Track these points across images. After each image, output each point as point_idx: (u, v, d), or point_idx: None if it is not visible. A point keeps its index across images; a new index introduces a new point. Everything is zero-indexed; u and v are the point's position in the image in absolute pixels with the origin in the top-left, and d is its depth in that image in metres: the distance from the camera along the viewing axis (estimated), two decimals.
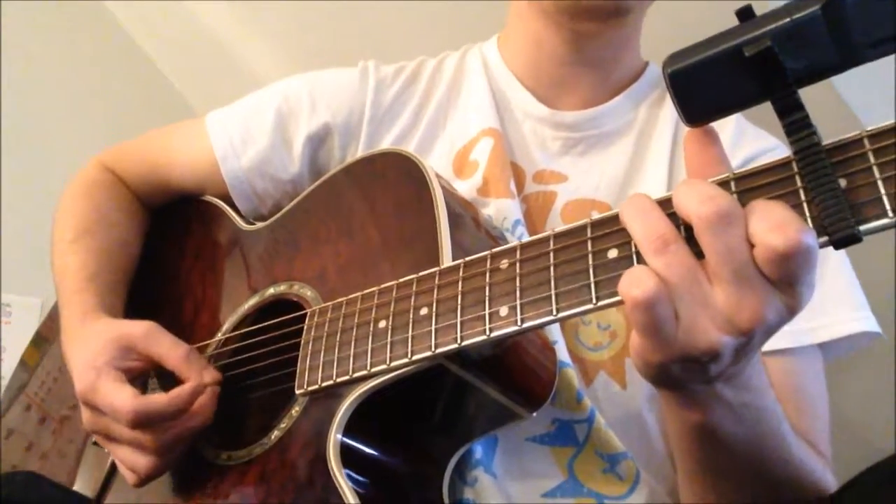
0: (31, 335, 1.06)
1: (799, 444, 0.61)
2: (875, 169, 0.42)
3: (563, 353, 0.74)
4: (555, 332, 0.74)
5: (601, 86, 0.87)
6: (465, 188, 0.82)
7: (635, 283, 0.44)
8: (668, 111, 0.87)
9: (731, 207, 0.43)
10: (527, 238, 0.55)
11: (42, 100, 1.74)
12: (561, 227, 0.54)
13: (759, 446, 0.57)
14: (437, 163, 0.86)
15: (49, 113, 1.75)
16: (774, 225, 0.41)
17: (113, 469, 0.78)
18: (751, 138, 0.85)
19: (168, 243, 0.94)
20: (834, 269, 0.78)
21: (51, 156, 1.71)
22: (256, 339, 0.74)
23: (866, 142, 0.43)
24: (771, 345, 0.73)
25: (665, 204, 0.47)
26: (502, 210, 0.80)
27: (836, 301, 0.76)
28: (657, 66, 0.91)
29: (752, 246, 0.43)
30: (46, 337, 1.01)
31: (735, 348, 0.45)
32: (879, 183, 0.42)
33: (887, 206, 0.41)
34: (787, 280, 0.42)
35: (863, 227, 0.41)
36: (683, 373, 0.47)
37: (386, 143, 0.88)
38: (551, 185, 0.84)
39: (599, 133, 0.86)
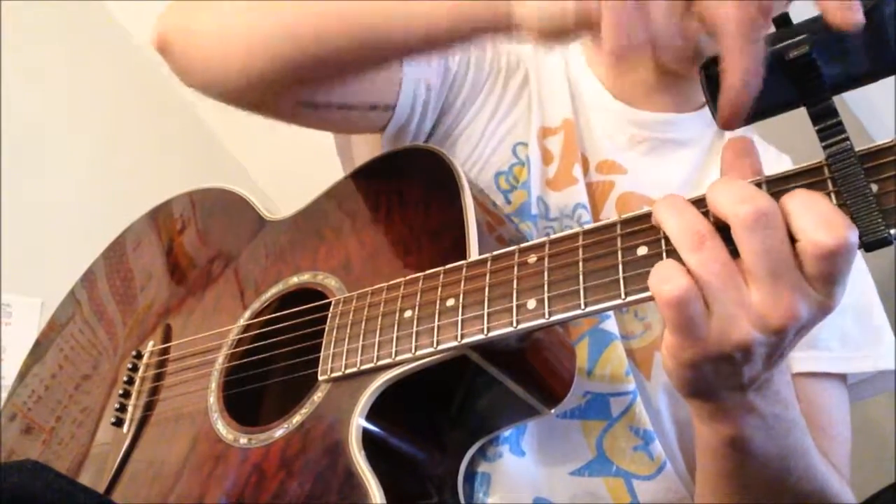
0: (30, 335, 1.04)
1: (821, 460, 0.62)
2: None
3: (612, 326, 0.76)
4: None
5: (677, 106, 0.89)
6: (537, 173, 0.83)
7: (665, 281, 0.45)
8: None
9: (770, 208, 0.44)
10: (588, 223, 0.56)
11: (42, 99, 1.74)
12: (590, 225, 0.55)
13: (787, 460, 0.57)
14: (520, 132, 0.86)
15: (49, 113, 1.75)
16: (823, 222, 0.42)
17: (129, 452, 0.79)
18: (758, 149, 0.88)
19: (191, 232, 0.95)
20: (873, 305, 0.81)
21: (50, 156, 1.72)
22: (278, 325, 0.75)
23: None
24: (801, 366, 0.76)
25: (698, 203, 0.48)
26: (564, 196, 0.81)
27: (872, 338, 0.80)
28: None
29: (792, 241, 0.43)
30: (40, 342, 1.00)
31: (767, 347, 0.45)
32: None
33: None
34: (827, 278, 0.43)
35: (894, 231, 0.43)
36: (715, 375, 0.47)
37: (479, 103, 0.87)
38: (611, 175, 0.86)
39: (666, 138, 0.87)
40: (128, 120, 1.85)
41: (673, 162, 0.86)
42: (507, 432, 0.72)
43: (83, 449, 0.84)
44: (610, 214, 0.83)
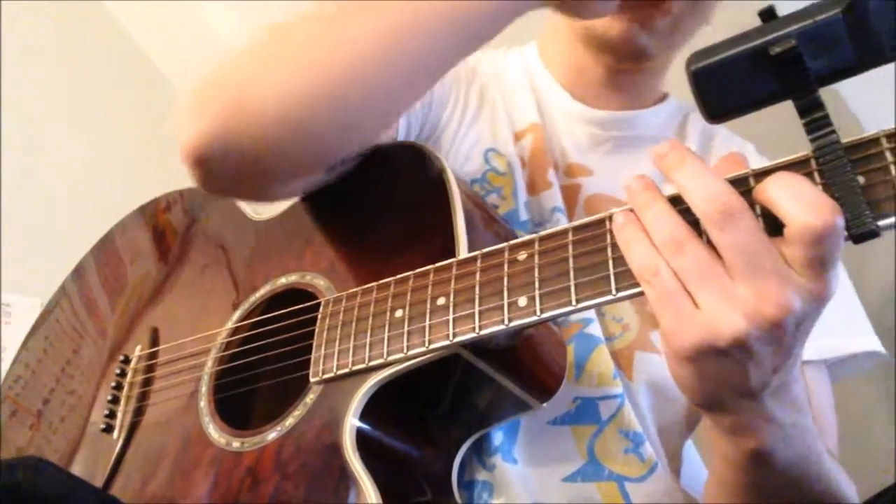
0: None
1: (831, 461, 0.62)
2: (893, 167, 0.43)
3: (597, 330, 0.76)
4: (589, 312, 0.76)
5: (634, 102, 0.90)
6: (520, 179, 0.84)
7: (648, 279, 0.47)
8: (691, 141, 0.90)
9: (736, 204, 0.45)
10: (561, 225, 0.56)
11: (42, 99, 1.74)
12: (580, 220, 0.55)
13: (803, 465, 0.57)
14: (488, 140, 0.87)
15: (49, 113, 1.74)
16: (808, 206, 0.42)
17: (120, 459, 0.78)
18: (722, 139, 0.90)
19: (177, 234, 0.94)
20: (842, 291, 0.81)
21: (50, 156, 1.72)
22: (268, 327, 0.74)
23: (884, 141, 0.44)
24: None
25: (675, 201, 0.49)
26: (542, 200, 0.82)
27: (843, 321, 0.80)
28: (675, 99, 0.95)
29: (778, 229, 0.44)
30: (29, 335, 0.99)
31: (766, 343, 0.45)
32: None
33: None
34: (817, 263, 0.43)
35: (881, 223, 0.43)
36: (719, 371, 0.47)
37: (445, 116, 0.88)
38: (578, 178, 0.86)
39: (628, 136, 0.88)
40: (127, 120, 1.84)
41: (637, 160, 0.86)
42: (497, 441, 0.72)
43: (72, 446, 0.84)
44: (581, 218, 0.82)
